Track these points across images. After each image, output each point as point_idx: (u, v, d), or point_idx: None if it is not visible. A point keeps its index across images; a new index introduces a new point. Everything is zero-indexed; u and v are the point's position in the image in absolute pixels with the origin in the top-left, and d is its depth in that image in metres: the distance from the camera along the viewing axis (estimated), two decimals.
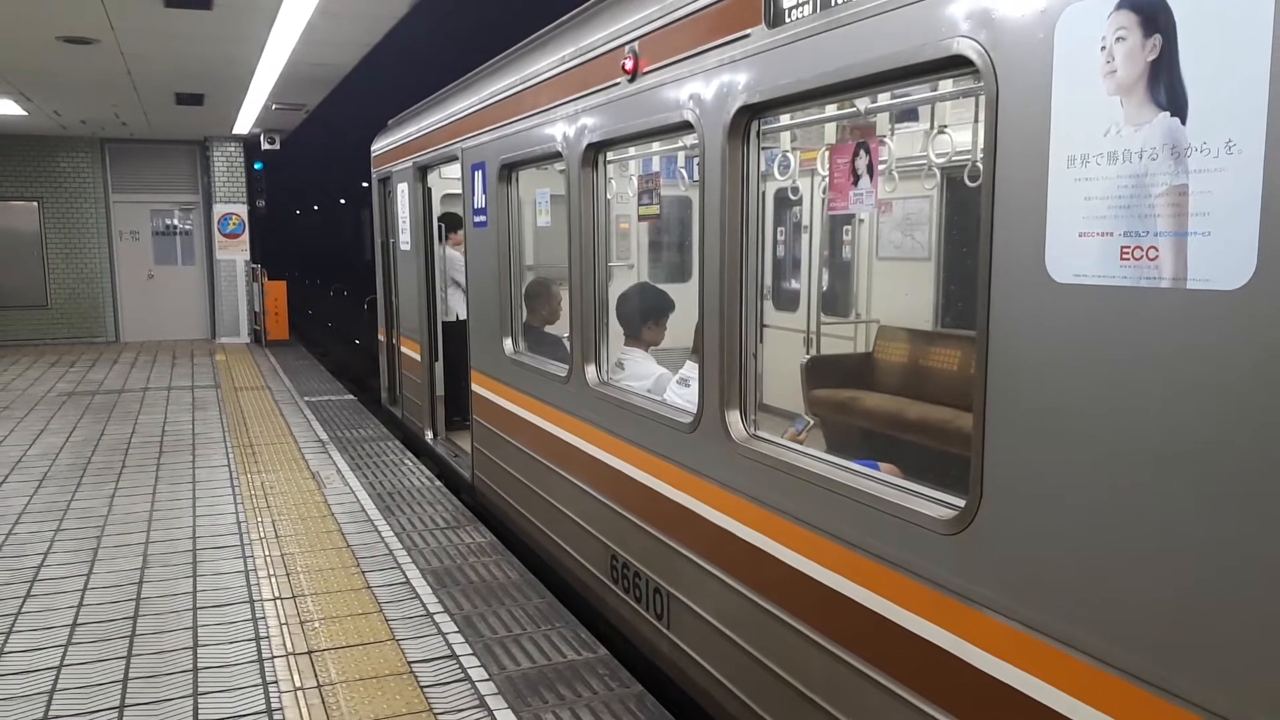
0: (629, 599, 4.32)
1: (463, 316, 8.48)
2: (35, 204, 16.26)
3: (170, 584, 5.03)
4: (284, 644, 4.27)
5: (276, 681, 3.92)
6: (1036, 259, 2.09)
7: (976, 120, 4.12)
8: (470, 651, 4.20)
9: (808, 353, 6.82)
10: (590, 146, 4.49)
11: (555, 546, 5.26)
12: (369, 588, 4.96)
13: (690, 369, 4.32)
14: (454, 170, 7.31)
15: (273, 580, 5.06)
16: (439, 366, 8.31)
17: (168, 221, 17.13)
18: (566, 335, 5.11)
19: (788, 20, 2.95)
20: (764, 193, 3.62)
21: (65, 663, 4.12)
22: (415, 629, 4.44)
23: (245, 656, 4.15)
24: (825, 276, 7.32)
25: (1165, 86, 1.81)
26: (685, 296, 4.91)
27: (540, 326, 6.38)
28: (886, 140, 4.62)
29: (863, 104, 4.38)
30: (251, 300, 16.96)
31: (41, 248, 16.36)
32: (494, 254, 5.98)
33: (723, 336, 3.40)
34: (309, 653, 4.18)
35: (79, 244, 16.56)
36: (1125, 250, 1.90)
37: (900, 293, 6.79)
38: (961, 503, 2.39)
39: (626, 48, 4.04)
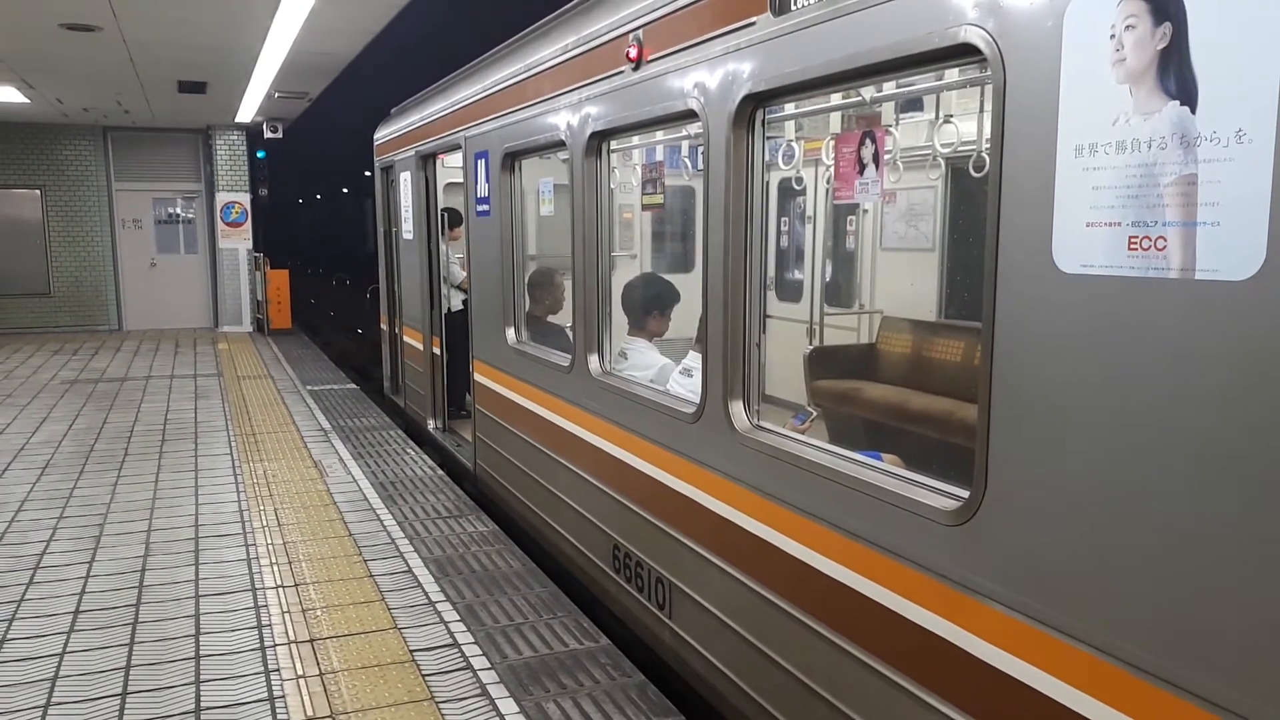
0: (631, 589, 4.33)
1: (453, 308, 8.51)
2: (38, 192, 16.24)
3: (172, 572, 5.03)
4: (286, 632, 4.28)
5: (279, 669, 3.92)
6: (1043, 249, 2.08)
7: (981, 110, 4.12)
8: (472, 640, 4.21)
9: (810, 343, 6.81)
10: (594, 135, 4.47)
11: (557, 536, 5.26)
12: (371, 576, 4.96)
13: (693, 359, 4.31)
14: (455, 159, 7.29)
15: (275, 568, 5.06)
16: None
17: (170, 210, 17.12)
18: (569, 325, 5.10)
19: (793, 8, 2.93)
20: (768, 182, 3.60)
21: (67, 650, 4.13)
22: (417, 617, 4.44)
23: (247, 644, 4.16)
24: (828, 267, 7.30)
25: (1175, 75, 1.79)
26: (688, 287, 4.90)
27: (543, 316, 6.38)
28: (892, 130, 4.60)
29: (868, 93, 4.37)
30: (254, 289, 16.95)
31: (44, 236, 16.35)
32: (497, 243, 5.97)
33: (726, 327, 3.39)
34: (311, 641, 4.19)
35: (81, 232, 16.56)
36: (1133, 240, 1.89)
37: (904, 283, 6.78)
38: (965, 494, 2.38)
39: (631, 36, 4.02)
